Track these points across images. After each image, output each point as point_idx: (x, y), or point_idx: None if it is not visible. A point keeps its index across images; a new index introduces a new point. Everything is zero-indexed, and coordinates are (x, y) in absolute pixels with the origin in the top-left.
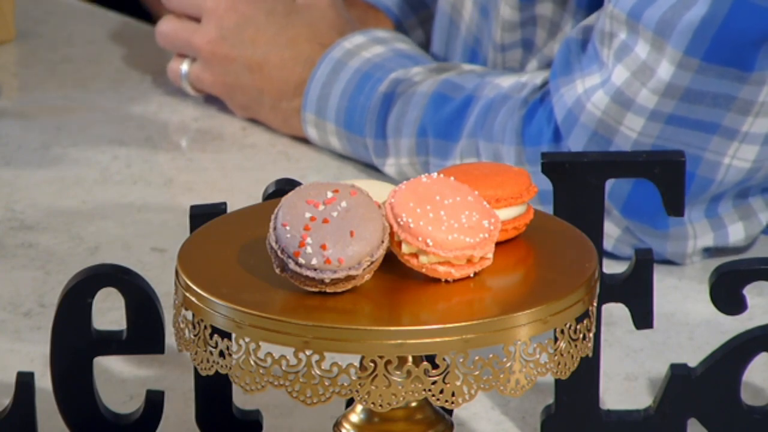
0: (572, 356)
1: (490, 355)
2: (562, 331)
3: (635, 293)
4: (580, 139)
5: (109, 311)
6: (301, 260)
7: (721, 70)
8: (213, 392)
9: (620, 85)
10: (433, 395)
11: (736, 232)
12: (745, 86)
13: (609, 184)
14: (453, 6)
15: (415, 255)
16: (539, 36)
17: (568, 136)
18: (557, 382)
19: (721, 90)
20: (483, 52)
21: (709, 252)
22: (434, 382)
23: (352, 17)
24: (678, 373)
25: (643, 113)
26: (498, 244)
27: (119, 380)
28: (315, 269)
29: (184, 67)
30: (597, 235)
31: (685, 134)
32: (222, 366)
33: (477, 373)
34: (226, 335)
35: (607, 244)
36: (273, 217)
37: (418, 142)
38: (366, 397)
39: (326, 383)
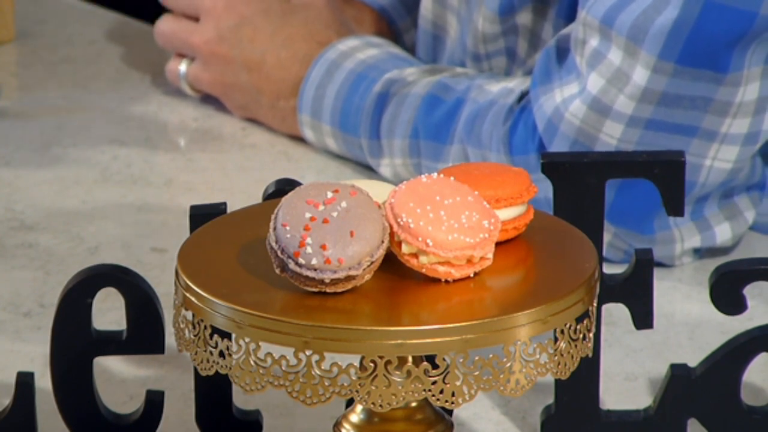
0: (572, 356)
1: (490, 355)
2: (562, 331)
3: (635, 293)
4: (561, 148)
5: (109, 311)
6: (301, 260)
7: (696, 72)
8: (213, 392)
9: (596, 93)
10: (433, 395)
11: (723, 233)
12: (721, 87)
13: None
14: (434, 24)
15: (415, 255)
16: (521, 46)
17: (550, 145)
18: (557, 382)
19: (698, 92)
20: (465, 63)
21: (699, 252)
22: (434, 382)
23: (347, 17)
24: (678, 373)
25: (621, 120)
26: (498, 244)
27: (119, 380)
28: (315, 269)
29: (183, 67)
30: (597, 235)
31: (664, 138)
32: (222, 366)
33: (477, 373)
34: (226, 335)
35: None
36: (273, 217)
37: (411, 143)
38: (366, 397)
39: (326, 383)
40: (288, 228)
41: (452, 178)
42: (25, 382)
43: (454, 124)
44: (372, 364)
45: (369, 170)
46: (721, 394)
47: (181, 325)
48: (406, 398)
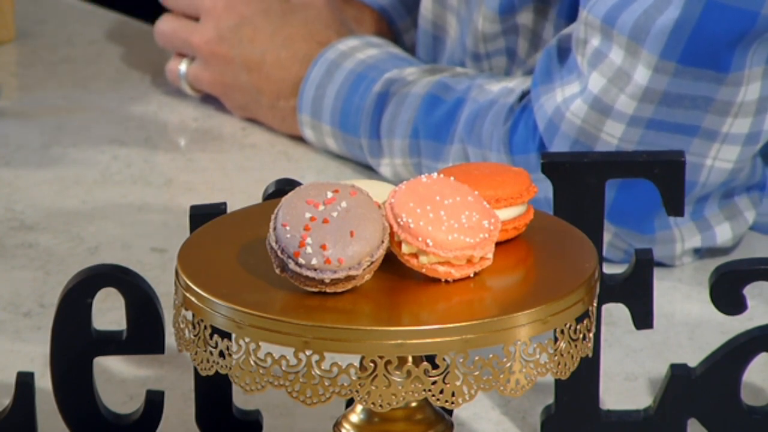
0: (572, 356)
1: (490, 355)
2: (562, 331)
3: (635, 293)
4: (562, 148)
5: (109, 311)
6: (301, 260)
7: (697, 72)
8: (213, 392)
9: (597, 92)
10: (433, 395)
11: (723, 233)
12: (722, 87)
13: None
14: (434, 24)
15: (415, 255)
16: (521, 46)
17: (551, 144)
18: (557, 382)
19: (699, 92)
20: (465, 63)
21: (700, 252)
22: (434, 382)
23: (347, 17)
24: (678, 373)
25: (622, 119)
26: (498, 244)
27: (119, 380)
28: (315, 269)
29: (183, 67)
30: (597, 235)
31: (665, 138)
32: (222, 366)
33: (477, 373)
34: (226, 335)
35: None
36: (273, 217)
37: (411, 143)
38: (366, 397)
39: (326, 383)
40: (288, 228)
41: (452, 178)
42: (25, 382)
43: (454, 123)
44: (372, 364)
45: (369, 170)
46: (721, 394)
47: (181, 325)
48: (406, 398)
